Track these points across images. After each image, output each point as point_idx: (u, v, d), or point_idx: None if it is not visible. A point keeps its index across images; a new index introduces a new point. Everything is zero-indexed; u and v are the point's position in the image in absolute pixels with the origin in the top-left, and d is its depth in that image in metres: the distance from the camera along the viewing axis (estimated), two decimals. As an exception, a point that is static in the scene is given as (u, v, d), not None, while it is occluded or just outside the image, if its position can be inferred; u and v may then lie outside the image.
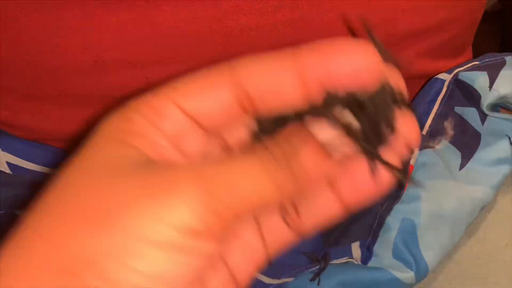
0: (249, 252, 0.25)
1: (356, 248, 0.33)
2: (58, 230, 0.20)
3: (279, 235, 0.25)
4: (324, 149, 0.23)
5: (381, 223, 0.33)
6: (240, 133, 0.26)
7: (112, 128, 0.23)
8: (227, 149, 0.26)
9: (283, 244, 0.26)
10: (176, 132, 0.24)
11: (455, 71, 0.38)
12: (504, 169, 0.36)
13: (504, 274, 0.33)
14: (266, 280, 0.32)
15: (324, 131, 0.23)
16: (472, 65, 0.38)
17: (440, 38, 0.39)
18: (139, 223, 0.19)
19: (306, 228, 0.26)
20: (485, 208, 0.36)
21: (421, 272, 0.32)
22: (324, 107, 0.23)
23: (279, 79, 0.23)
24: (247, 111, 0.24)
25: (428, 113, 0.37)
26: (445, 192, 0.34)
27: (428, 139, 0.36)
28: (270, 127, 0.25)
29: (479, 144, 0.37)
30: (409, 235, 0.32)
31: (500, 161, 0.36)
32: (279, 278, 0.32)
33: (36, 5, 0.30)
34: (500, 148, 0.36)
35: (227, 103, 0.23)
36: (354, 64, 0.22)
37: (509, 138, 0.36)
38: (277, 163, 0.22)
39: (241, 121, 0.24)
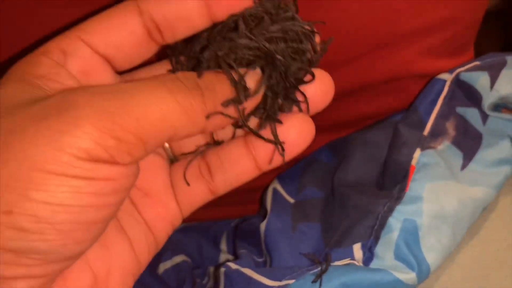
0: (163, 209, 0.27)
1: (357, 250, 0.33)
2: None
3: (192, 193, 0.27)
4: (235, 91, 0.24)
5: (382, 224, 0.33)
6: (154, 72, 0.27)
7: (19, 72, 0.23)
8: None
9: (196, 202, 0.28)
10: (85, 70, 0.24)
11: (456, 71, 0.38)
12: (506, 169, 0.35)
13: (506, 275, 0.33)
14: (267, 282, 0.32)
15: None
16: (473, 65, 0.38)
17: (441, 37, 0.38)
18: (35, 153, 0.19)
19: (219, 187, 0.27)
20: (487, 208, 0.35)
21: (423, 273, 0.31)
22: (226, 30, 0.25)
23: (185, 5, 0.24)
24: (156, 40, 0.25)
25: (430, 114, 0.37)
26: (446, 193, 0.34)
27: (429, 140, 0.36)
28: (182, 50, 0.26)
29: (480, 145, 0.36)
30: (411, 236, 0.32)
31: (502, 162, 0.36)
32: (280, 280, 0.31)
33: (35, 5, 0.30)
34: (502, 149, 0.36)
35: (136, 34, 0.24)
36: None
37: (511, 138, 0.36)
38: (187, 89, 0.22)
39: (151, 50, 0.25)
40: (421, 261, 0.31)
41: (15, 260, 0.20)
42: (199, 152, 0.28)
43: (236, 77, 0.24)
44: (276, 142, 0.26)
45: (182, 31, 0.25)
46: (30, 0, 0.30)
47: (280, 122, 0.26)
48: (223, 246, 0.44)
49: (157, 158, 0.28)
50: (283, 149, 0.26)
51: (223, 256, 0.44)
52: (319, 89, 0.27)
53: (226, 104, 0.24)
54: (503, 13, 0.95)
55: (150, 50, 0.26)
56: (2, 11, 0.31)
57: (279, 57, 0.24)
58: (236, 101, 0.24)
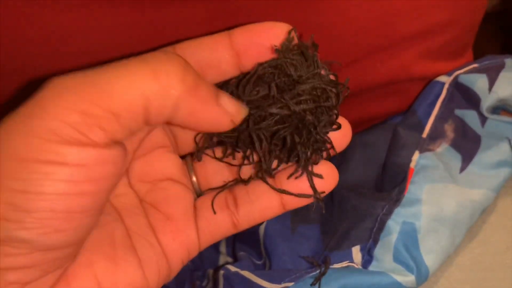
0: (180, 234, 0.27)
1: (356, 252, 0.33)
2: None
3: (214, 224, 0.28)
4: (218, 94, 0.25)
5: (381, 226, 0.33)
6: None
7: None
8: None
9: (217, 234, 0.28)
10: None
11: (455, 73, 0.38)
12: (504, 171, 0.35)
13: (505, 277, 0.33)
14: (266, 285, 0.32)
15: None
16: (472, 67, 0.38)
17: (440, 40, 0.39)
18: (8, 141, 0.19)
19: (243, 221, 0.28)
20: (485, 211, 0.36)
21: (422, 276, 0.31)
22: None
23: (216, 53, 0.26)
24: None
25: (428, 116, 0.37)
26: (445, 195, 0.34)
27: (428, 142, 0.36)
28: None
29: (479, 147, 0.36)
30: (410, 238, 0.32)
31: (500, 164, 0.36)
32: (279, 283, 0.31)
33: (33, 9, 0.30)
34: (500, 151, 0.36)
35: None
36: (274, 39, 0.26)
37: (509, 140, 0.36)
38: (167, 58, 0.22)
39: None
40: (420, 263, 0.31)
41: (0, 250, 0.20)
42: (228, 186, 0.29)
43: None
44: (316, 196, 0.28)
45: (211, 77, 0.27)
46: (29, 3, 0.30)
47: (321, 176, 0.28)
48: (223, 248, 0.44)
49: (183, 187, 0.29)
50: (318, 200, 0.28)
51: (223, 259, 0.44)
52: (340, 134, 0.29)
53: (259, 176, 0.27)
54: (502, 15, 0.95)
55: None
56: (1, 14, 0.31)
57: (309, 117, 0.26)
58: (267, 172, 0.27)
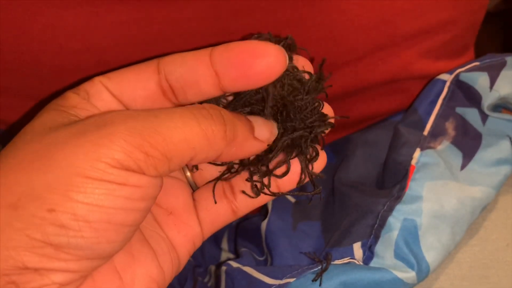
0: (185, 227, 0.29)
1: (357, 249, 0.33)
2: (6, 175, 0.23)
3: (215, 212, 0.30)
4: (253, 130, 0.27)
5: (382, 223, 0.33)
6: None
7: (52, 105, 0.26)
8: None
9: (218, 222, 0.30)
10: (106, 108, 0.27)
11: (456, 71, 0.38)
12: (505, 169, 0.36)
13: (505, 274, 0.33)
14: (268, 280, 0.32)
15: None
16: (473, 65, 0.38)
17: (441, 39, 0.39)
18: (75, 161, 0.22)
19: (241, 207, 0.30)
20: (486, 208, 0.36)
21: (423, 272, 0.32)
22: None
23: (195, 70, 0.26)
24: (170, 99, 0.27)
25: (429, 114, 0.38)
26: (446, 192, 0.34)
27: (429, 140, 0.36)
28: None
29: (480, 145, 0.37)
30: (411, 235, 0.32)
31: (501, 162, 0.36)
32: (281, 279, 0.32)
33: (38, 6, 0.31)
34: (501, 149, 0.36)
35: (148, 90, 0.27)
36: (261, 66, 0.26)
37: (510, 138, 0.37)
38: (210, 117, 0.25)
39: (164, 106, 0.28)
40: (421, 260, 0.32)
41: (55, 254, 0.22)
42: (225, 177, 0.30)
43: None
44: (314, 185, 0.29)
45: (192, 95, 0.27)
46: (30, 1, 0.31)
47: (320, 175, 0.29)
48: (224, 245, 0.44)
49: (180, 183, 0.30)
50: (314, 185, 0.29)
51: (224, 255, 0.44)
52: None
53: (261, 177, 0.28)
54: (503, 14, 0.95)
55: (164, 106, 0.28)
56: (2, 12, 0.31)
57: (304, 144, 0.28)
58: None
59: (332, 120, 0.29)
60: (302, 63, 0.29)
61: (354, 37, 0.36)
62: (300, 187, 0.29)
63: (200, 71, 0.26)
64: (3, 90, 0.35)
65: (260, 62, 0.26)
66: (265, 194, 0.28)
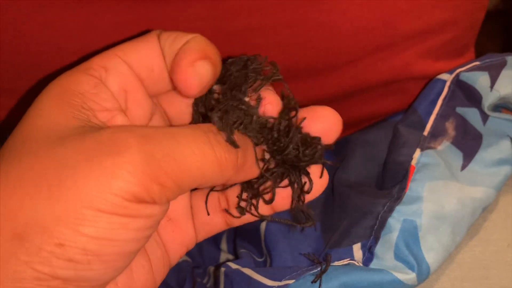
0: (181, 234, 0.29)
1: (357, 250, 0.33)
2: (8, 197, 0.21)
3: (209, 224, 0.30)
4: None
5: (382, 224, 0.33)
6: (179, 106, 0.29)
7: (59, 88, 0.25)
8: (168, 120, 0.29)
9: (212, 232, 0.30)
10: (124, 86, 0.26)
11: (456, 71, 0.38)
12: (505, 169, 0.35)
13: (506, 275, 0.33)
14: (267, 282, 0.32)
15: None
16: (473, 65, 0.38)
17: (441, 39, 0.38)
18: (86, 191, 0.21)
19: (235, 220, 0.30)
20: (487, 208, 0.36)
21: (423, 274, 0.31)
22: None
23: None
24: None
25: (430, 114, 0.37)
26: (446, 193, 0.34)
27: (429, 140, 0.36)
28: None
29: (480, 145, 0.36)
30: (411, 236, 0.32)
31: (501, 162, 0.36)
32: (280, 280, 0.31)
33: (36, 6, 0.31)
34: (501, 149, 0.36)
35: (168, 59, 0.26)
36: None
37: (511, 138, 0.36)
38: (225, 144, 0.24)
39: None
40: (421, 261, 0.31)
41: (62, 286, 0.21)
42: (216, 190, 0.30)
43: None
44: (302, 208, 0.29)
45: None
46: (31, 1, 0.30)
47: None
48: (224, 245, 0.44)
49: None
50: (306, 216, 0.29)
51: (223, 256, 0.44)
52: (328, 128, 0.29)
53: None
54: (504, 13, 0.95)
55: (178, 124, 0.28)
56: (1, 13, 0.31)
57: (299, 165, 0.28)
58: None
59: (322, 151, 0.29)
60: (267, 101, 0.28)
61: (353, 38, 0.36)
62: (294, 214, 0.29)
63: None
64: (1, 91, 0.35)
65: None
66: (252, 215, 0.28)
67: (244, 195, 0.28)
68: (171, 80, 0.26)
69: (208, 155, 0.23)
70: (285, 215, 0.30)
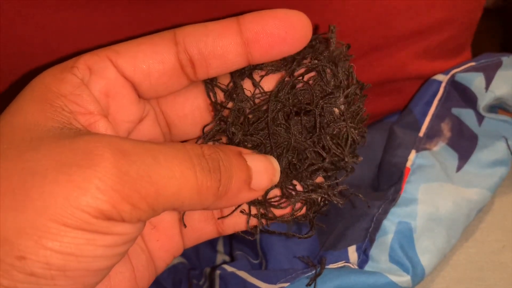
0: (167, 242, 0.27)
1: (352, 252, 0.33)
2: None
3: (200, 232, 0.28)
4: (250, 180, 0.25)
5: (377, 226, 0.33)
6: (182, 110, 0.28)
7: (42, 87, 0.23)
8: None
9: (201, 239, 0.29)
10: (107, 91, 0.24)
11: (452, 72, 0.38)
12: (501, 170, 0.35)
13: (501, 276, 0.33)
14: (262, 285, 0.32)
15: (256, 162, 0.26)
16: (469, 66, 0.38)
17: (437, 39, 0.38)
18: (53, 204, 0.20)
19: (228, 228, 0.28)
20: (482, 210, 0.35)
21: (418, 276, 0.31)
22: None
23: (223, 38, 0.24)
24: (188, 74, 0.25)
25: (425, 115, 0.37)
26: (441, 195, 0.34)
27: (425, 141, 0.36)
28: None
29: (476, 146, 0.36)
30: (406, 238, 0.32)
31: (497, 163, 0.35)
32: (275, 283, 0.31)
33: (31, 8, 0.30)
34: (497, 150, 0.36)
35: (166, 64, 0.25)
36: (296, 34, 0.24)
37: (506, 139, 0.36)
38: (209, 170, 0.23)
39: (181, 84, 0.26)
40: (416, 263, 0.31)
41: None
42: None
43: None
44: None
45: (216, 69, 0.25)
46: (24, 2, 0.30)
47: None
48: (220, 247, 0.44)
49: None
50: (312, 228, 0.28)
51: (220, 258, 0.44)
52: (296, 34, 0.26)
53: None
54: (502, 11, 0.95)
55: (180, 83, 0.26)
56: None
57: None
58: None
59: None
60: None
61: (350, 38, 0.36)
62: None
63: (228, 39, 0.24)
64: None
65: (293, 31, 0.24)
66: (261, 231, 0.28)
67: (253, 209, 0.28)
68: None
69: (189, 180, 0.22)
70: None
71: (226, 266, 0.35)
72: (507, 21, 0.97)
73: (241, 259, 0.38)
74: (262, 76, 0.28)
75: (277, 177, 0.26)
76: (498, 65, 0.37)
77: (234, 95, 0.27)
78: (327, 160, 0.26)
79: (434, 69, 0.39)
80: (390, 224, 0.33)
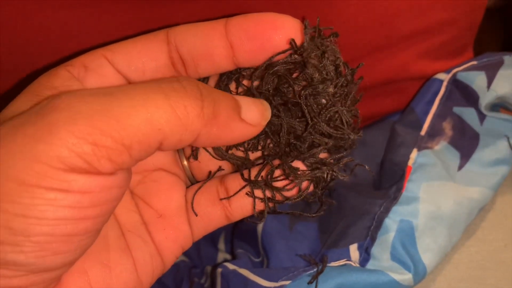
0: (174, 231, 0.26)
1: (354, 250, 0.33)
2: None
3: (207, 218, 0.27)
4: (239, 109, 0.23)
5: (379, 224, 0.33)
6: None
7: (36, 83, 0.23)
8: None
9: (210, 227, 0.28)
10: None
11: (453, 71, 0.38)
12: (502, 169, 0.35)
13: (503, 275, 0.33)
14: (264, 283, 0.32)
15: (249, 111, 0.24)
16: (470, 65, 0.38)
17: (439, 39, 0.38)
18: (10, 163, 0.18)
19: (236, 213, 0.27)
20: (484, 208, 0.35)
21: (419, 274, 0.31)
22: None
23: (209, 41, 0.24)
24: (180, 72, 0.25)
25: (427, 114, 0.37)
26: (443, 193, 0.34)
27: (426, 140, 0.36)
28: None
29: (477, 145, 0.36)
30: (407, 236, 0.32)
31: (498, 162, 0.35)
32: (276, 281, 0.31)
33: (33, 7, 0.30)
34: (498, 149, 0.36)
35: (158, 61, 0.25)
36: (280, 38, 0.24)
37: (508, 138, 0.36)
38: (184, 92, 0.21)
39: None
40: (417, 262, 0.31)
41: None
42: (212, 177, 0.28)
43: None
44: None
45: (204, 69, 0.25)
46: (28, 1, 0.30)
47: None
48: (221, 245, 0.44)
49: (174, 179, 0.28)
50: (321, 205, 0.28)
51: (221, 256, 0.44)
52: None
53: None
54: (503, 10, 0.95)
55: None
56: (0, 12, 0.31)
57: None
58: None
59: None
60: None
61: (352, 38, 0.36)
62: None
63: (213, 42, 0.24)
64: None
65: (279, 35, 0.24)
66: (268, 213, 0.27)
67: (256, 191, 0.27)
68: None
69: (159, 103, 0.20)
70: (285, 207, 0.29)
71: (227, 264, 0.35)
72: (508, 21, 0.97)
73: (243, 257, 0.38)
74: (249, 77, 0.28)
75: (268, 113, 0.25)
76: (500, 64, 0.37)
77: None
78: (330, 144, 0.26)
79: (436, 69, 0.39)
80: (391, 223, 0.33)
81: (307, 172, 0.26)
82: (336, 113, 0.26)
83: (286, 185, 0.27)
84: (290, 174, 0.26)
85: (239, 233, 0.41)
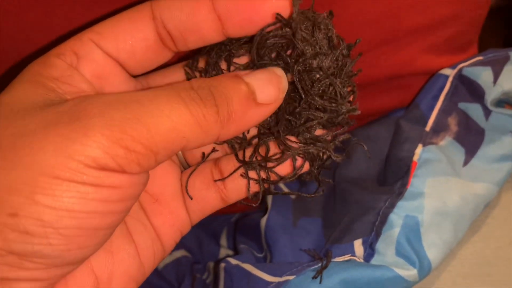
0: (171, 216, 0.27)
1: (358, 246, 0.32)
2: None
3: (203, 201, 0.28)
4: (253, 95, 0.24)
5: (383, 220, 0.33)
6: (171, 74, 0.28)
7: (32, 73, 0.23)
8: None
9: (206, 210, 0.28)
10: (97, 73, 0.24)
11: (459, 66, 0.38)
12: (508, 165, 0.35)
13: (509, 272, 0.33)
14: (267, 278, 0.32)
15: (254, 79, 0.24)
16: (476, 60, 0.38)
17: (444, 34, 0.38)
18: (43, 157, 0.19)
19: (231, 195, 0.28)
20: (489, 204, 0.35)
21: (424, 270, 0.31)
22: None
23: (196, 15, 0.24)
24: (169, 47, 0.25)
25: (432, 109, 0.37)
26: (448, 189, 0.33)
27: (431, 135, 0.36)
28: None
29: (483, 140, 0.36)
30: (412, 232, 0.32)
31: (504, 158, 0.35)
32: (280, 276, 0.31)
33: (26, 6, 0.30)
34: (504, 144, 0.36)
35: (148, 40, 0.25)
36: (267, 9, 0.24)
37: (514, 134, 0.36)
38: (200, 100, 0.22)
39: (165, 56, 0.26)
40: (422, 257, 0.31)
41: (18, 263, 0.20)
42: (206, 159, 0.28)
43: None
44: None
45: (193, 42, 0.25)
46: (35, 2, 0.30)
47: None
48: (223, 241, 0.44)
49: (168, 164, 0.28)
50: (319, 184, 0.27)
51: (223, 252, 0.44)
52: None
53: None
54: (504, 9, 0.95)
55: (164, 56, 0.26)
56: (6, 13, 0.30)
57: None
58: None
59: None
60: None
61: (357, 32, 0.35)
62: (301, 182, 0.28)
63: (201, 16, 0.24)
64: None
65: (266, 5, 0.24)
66: (263, 193, 0.27)
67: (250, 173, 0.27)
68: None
69: (182, 114, 0.21)
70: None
71: (230, 259, 0.35)
72: (509, 19, 0.97)
73: (246, 252, 0.37)
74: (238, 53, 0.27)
75: (285, 84, 0.25)
76: (506, 59, 0.37)
77: (213, 71, 0.27)
78: (324, 118, 0.26)
79: (441, 64, 0.39)
80: (396, 218, 0.32)
81: (300, 146, 0.26)
82: (330, 86, 0.25)
83: (279, 158, 0.26)
84: (285, 151, 0.26)
85: (242, 229, 0.41)
